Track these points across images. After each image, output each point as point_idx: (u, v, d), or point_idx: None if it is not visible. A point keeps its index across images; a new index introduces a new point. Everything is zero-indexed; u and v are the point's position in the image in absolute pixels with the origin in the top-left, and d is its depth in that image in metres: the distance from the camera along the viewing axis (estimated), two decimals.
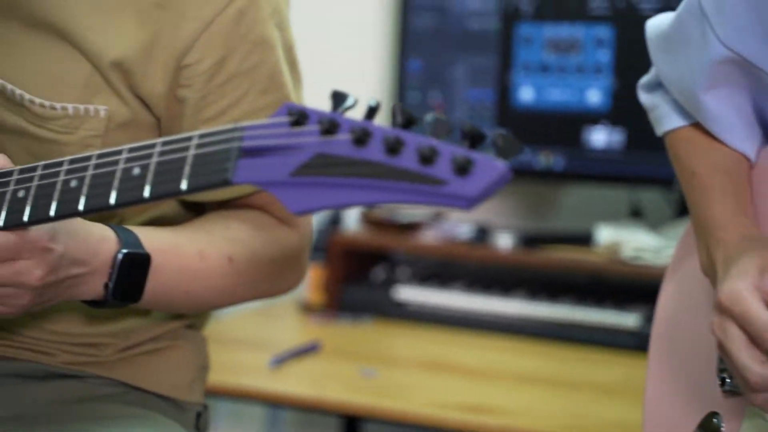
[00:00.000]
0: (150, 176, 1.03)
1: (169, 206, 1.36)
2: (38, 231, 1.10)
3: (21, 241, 1.09)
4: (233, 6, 1.25)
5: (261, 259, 1.32)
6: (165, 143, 1.03)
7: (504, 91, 2.42)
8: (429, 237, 2.45)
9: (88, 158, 1.07)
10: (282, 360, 2.02)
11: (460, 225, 2.47)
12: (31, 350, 1.32)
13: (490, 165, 0.90)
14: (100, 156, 1.07)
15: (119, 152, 1.05)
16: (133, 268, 1.20)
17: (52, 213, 1.07)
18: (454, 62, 2.47)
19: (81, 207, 1.06)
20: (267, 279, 1.35)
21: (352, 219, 2.56)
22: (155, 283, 1.22)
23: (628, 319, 2.18)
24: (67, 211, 1.07)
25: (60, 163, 1.08)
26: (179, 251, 1.26)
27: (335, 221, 2.50)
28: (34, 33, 1.25)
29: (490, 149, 0.91)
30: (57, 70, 1.25)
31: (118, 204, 1.04)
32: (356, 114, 0.95)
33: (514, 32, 2.41)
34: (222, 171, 0.98)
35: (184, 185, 1.01)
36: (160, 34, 1.25)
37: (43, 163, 1.09)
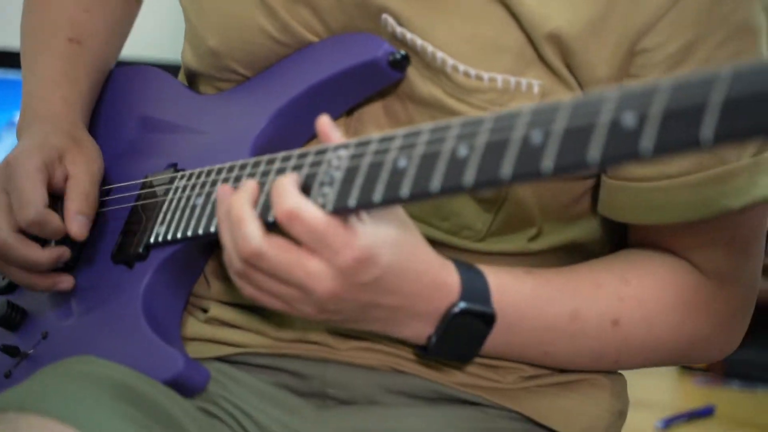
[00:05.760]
0: (552, 145, 0.79)
1: (589, 228, 1.13)
2: (362, 238, 0.92)
3: (327, 232, 0.91)
4: None
5: (665, 328, 1.08)
6: (575, 107, 0.79)
7: None
8: None
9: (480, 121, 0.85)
10: (672, 421, 1.74)
11: None
12: (424, 366, 1.10)
13: None
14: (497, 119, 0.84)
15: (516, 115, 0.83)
16: (470, 325, 1.00)
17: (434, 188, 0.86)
18: None
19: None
20: (671, 351, 1.10)
21: None
22: (502, 339, 1.04)
23: None
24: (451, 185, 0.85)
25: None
26: (543, 309, 1.04)
27: None
28: None
29: None
30: (486, 34, 1.04)
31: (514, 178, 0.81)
32: None
33: None
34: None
35: (594, 154, 0.77)
36: (613, 8, 1.02)
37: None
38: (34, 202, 1.12)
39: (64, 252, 1.15)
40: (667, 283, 1.08)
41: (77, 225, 1.14)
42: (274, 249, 0.93)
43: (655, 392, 2.14)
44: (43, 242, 1.16)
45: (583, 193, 1.11)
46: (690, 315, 1.09)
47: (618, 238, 1.15)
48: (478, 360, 1.09)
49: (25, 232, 1.14)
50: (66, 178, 1.17)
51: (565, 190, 1.09)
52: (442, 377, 1.10)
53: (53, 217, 1.13)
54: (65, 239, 1.16)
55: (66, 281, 1.16)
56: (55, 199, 1.16)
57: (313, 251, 0.92)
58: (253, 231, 0.93)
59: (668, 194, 1.05)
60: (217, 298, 1.15)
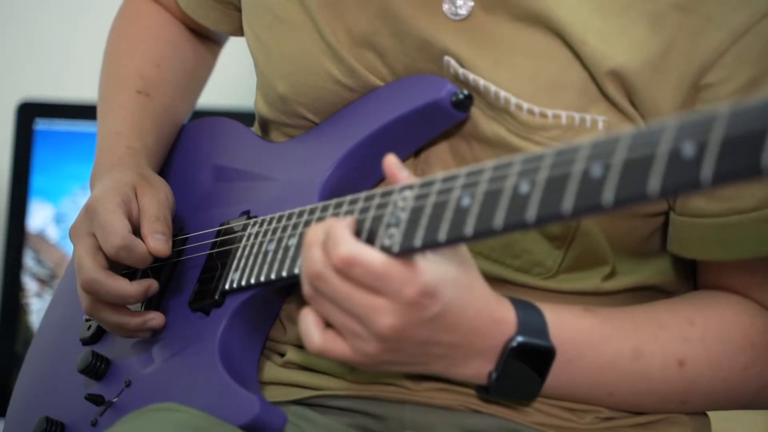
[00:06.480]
0: (612, 177, 0.78)
1: (662, 269, 1.12)
2: (424, 274, 0.92)
3: (387, 272, 0.91)
4: None
5: (733, 370, 1.06)
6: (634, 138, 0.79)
7: None
8: None
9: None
10: None
11: None
12: (501, 405, 1.09)
13: None
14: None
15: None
16: (529, 361, 1.00)
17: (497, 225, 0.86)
18: None
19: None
20: (740, 394, 1.09)
21: None
22: (564, 377, 1.03)
23: None
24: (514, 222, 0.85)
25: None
26: (603, 346, 1.04)
27: None
28: (523, 28, 1.06)
29: None
30: (549, 72, 1.05)
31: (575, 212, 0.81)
32: None
33: None
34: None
35: (654, 185, 0.76)
36: (675, 44, 1.02)
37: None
38: (118, 229, 1.14)
39: (152, 284, 1.17)
40: (734, 324, 1.07)
41: (155, 242, 1.15)
42: (336, 273, 0.93)
43: (745, 428, 2.10)
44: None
45: (654, 230, 1.10)
46: (759, 357, 1.07)
47: (692, 283, 1.14)
48: (553, 402, 1.09)
49: (113, 270, 1.16)
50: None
51: (634, 227, 1.09)
52: (519, 417, 1.09)
53: (139, 242, 1.15)
54: (149, 274, 1.18)
55: (157, 318, 1.17)
56: (137, 235, 1.18)
57: (376, 292, 0.93)
58: (316, 253, 0.94)
59: (737, 230, 1.04)
60: (293, 342, 1.15)
